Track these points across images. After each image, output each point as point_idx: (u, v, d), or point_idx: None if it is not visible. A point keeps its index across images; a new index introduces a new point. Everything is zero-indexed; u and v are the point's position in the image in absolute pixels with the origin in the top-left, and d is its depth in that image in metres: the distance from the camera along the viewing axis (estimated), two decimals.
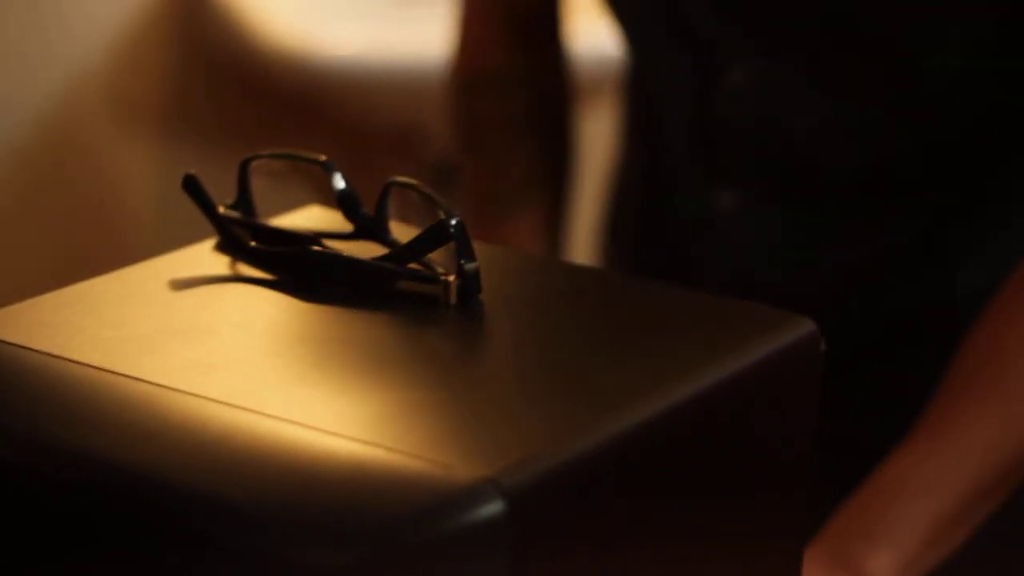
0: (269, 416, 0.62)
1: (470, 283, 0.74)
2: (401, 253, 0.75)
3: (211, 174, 2.54)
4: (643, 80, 1.29)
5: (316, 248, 0.77)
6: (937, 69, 1.14)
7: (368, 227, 0.80)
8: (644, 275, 1.28)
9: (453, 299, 0.74)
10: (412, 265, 0.76)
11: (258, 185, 0.85)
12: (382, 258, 0.76)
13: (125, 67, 2.44)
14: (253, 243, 0.80)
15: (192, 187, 0.80)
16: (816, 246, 1.22)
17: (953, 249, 1.20)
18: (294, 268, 0.77)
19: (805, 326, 0.73)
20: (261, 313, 0.73)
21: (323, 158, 0.81)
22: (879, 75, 1.15)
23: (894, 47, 1.13)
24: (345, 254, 0.77)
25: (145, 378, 0.65)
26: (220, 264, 0.79)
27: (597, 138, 1.96)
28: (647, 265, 1.30)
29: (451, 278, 0.74)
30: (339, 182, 0.81)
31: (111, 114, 2.46)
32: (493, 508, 0.56)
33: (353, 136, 2.42)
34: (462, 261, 0.74)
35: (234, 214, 0.82)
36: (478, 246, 0.78)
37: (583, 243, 1.69)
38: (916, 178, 1.19)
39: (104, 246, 2.52)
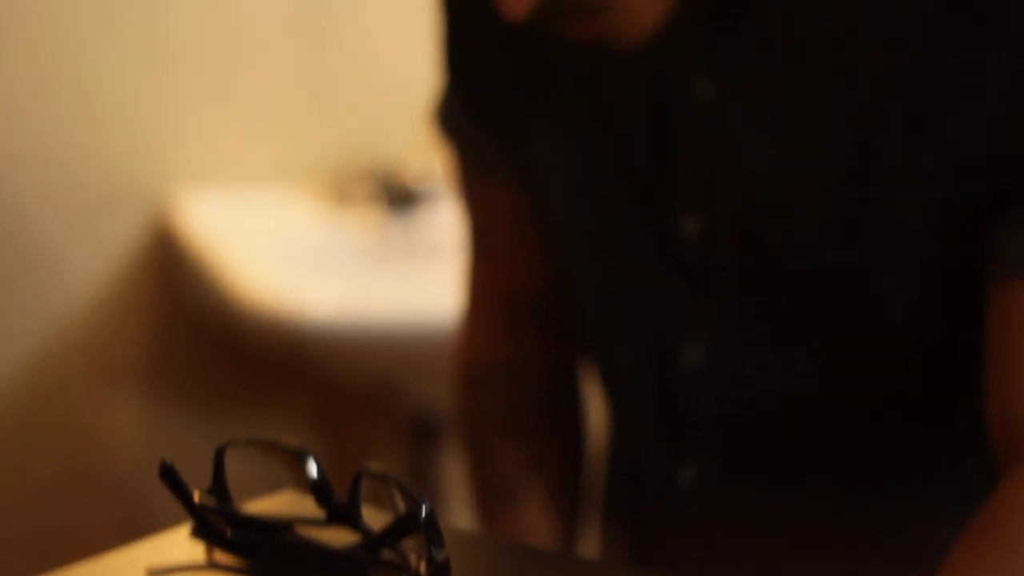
0: None
1: (440, 572, 0.76)
2: (373, 541, 0.77)
3: (191, 431, 2.57)
4: (602, 363, 1.31)
5: (290, 537, 0.79)
6: (889, 323, 1.15)
7: (341, 514, 0.82)
8: (619, 550, 1.29)
9: None
10: (385, 552, 0.77)
11: (237, 458, 0.87)
12: (355, 546, 0.77)
13: (104, 325, 2.47)
14: (229, 530, 0.82)
15: (168, 476, 0.82)
16: (787, 516, 1.23)
17: (928, 510, 1.21)
18: (269, 556, 0.79)
19: None
20: None
21: (296, 446, 0.83)
22: (836, 335, 1.17)
23: (852, 303, 1.15)
24: (319, 543, 0.78)
25: None
26: (196, 551, 0.81)
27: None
28: (618, 539, 1.31)
29: (422, 567, 0.76)
30: (312, 471, 0.83)
31: (90, 371, 2.48)
32: None
33: (333, 391, 2.44)
34: (432, 549, 0.75)
35: (210, 500, 0.84)
36: (452, 532, 0.80)
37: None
38: (881, 442, 1.20)
39: (86, 508, 2.52)
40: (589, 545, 1.39)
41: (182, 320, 2.48)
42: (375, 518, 0.82)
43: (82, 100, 2.37)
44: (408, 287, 2.06)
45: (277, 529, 0.81)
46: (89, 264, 2.45)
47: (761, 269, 1.17)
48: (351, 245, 2.40)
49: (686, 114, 1.17)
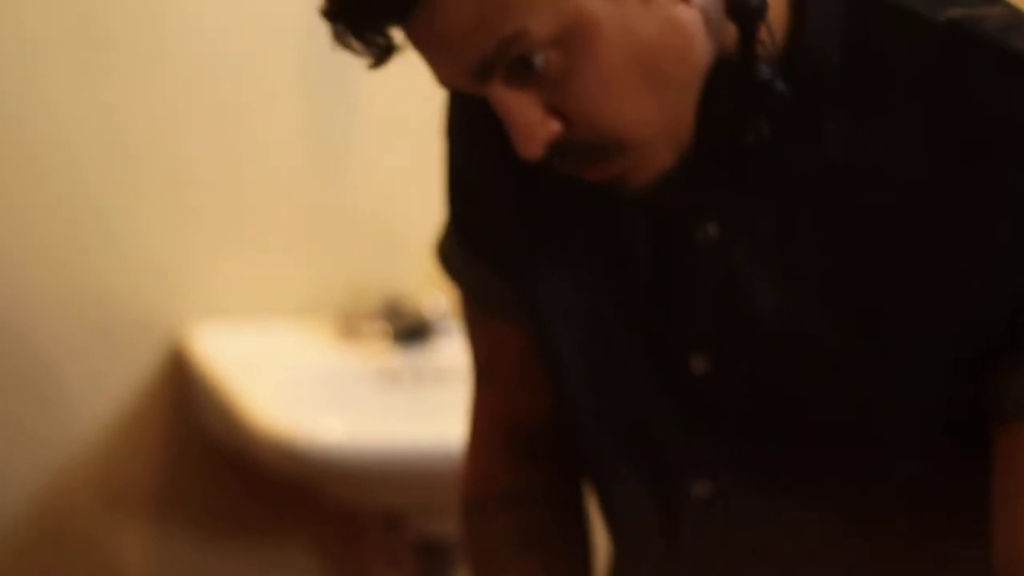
0: None
1: None
2: None
3: (202, 557, 2.58)
4: (605, 496, 1.31)
5: None
6: (892, 470, 1.16)
7: None
8: None
9: None
10: None
11: None
12: None
13: (117, 453, 2.48)
14: None
15: None
16: None
17: None
18: None
19: None
20: None
21: None
22: (841, 478, 1.18)
23: (856, 448, 1.16)
24: None
25: None
26: None
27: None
28: None
29: None
30: None
31: (103, 498, 2.50)
32: None
33: (342, 517, 2.46)
34: None
35: None
36: None
37: None
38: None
39: None
40: None
41: (194, 448, 2.51)
42: None
43: (98, 233, 2.43)
44: (417, 416, 2.09)
45: None
46: (103, 392, 2.48)
47: (768, 410, 1.18)
48: (362, 375, 2.44)
49: (692, 255, 1.17)
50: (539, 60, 1.06)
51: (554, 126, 1.08)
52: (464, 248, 1.32)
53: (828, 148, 1.12)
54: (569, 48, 1.05)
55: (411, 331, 2.45)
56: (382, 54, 1.09)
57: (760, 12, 1.08)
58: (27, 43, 2.35)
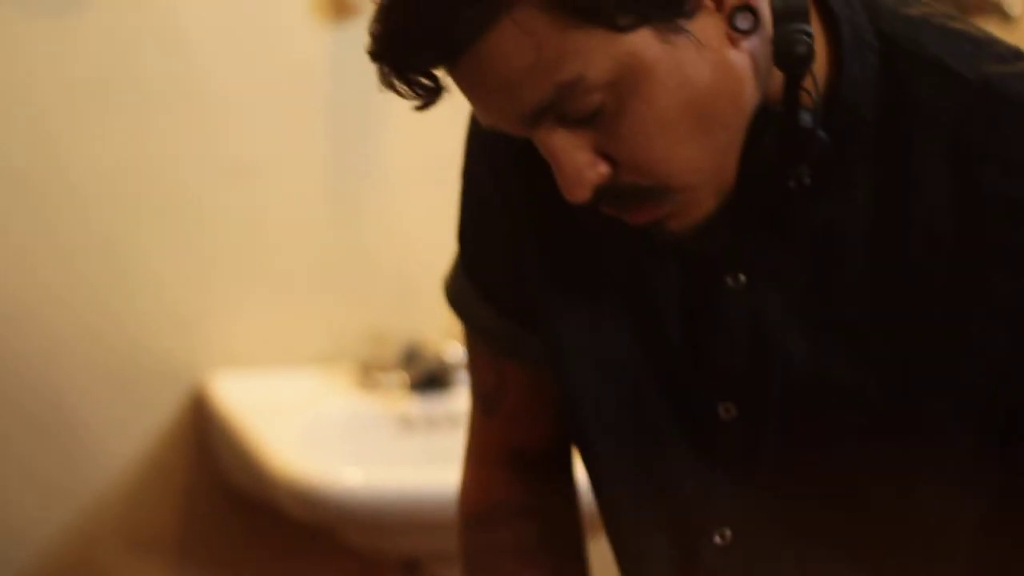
0: None
1: None
2: None
3: None
4: (619, 538, 1.30)
5: None
6: (919, 521, 1.16)
7: None
8: None
9: None
10: None
11: None
12: None
13: (140, 496, 2.51)
14: None
15: None
16: None
17: None
18: None
19: None
20: None
21: None
22: (866, 528, 1.17)
23: (883, 498, 1.16)
24: None
25: None
26: None
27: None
28: None
29: None
30: None
31: (126, 540, 2.51)
32: None
33: (359, 561, 2.47)
34: None
35: None
36: None
37: None
38: None
39: None
40: None
41: (215, 494, 2.53)
42: None
43: (119, 282, 2.46)
44: (435, 463, 2.10)
45: None
46: (126, 440, 2.51)
47: (794, 458, 1.17)
48: (380, 422, 2.46)
49: (721, 302, 1.17)
50: (593, 104, 1.05)
51: (602, 169, 1.07)
52: (474, 288, 1.31)
53: (859, 199, 1.12)
54: (622, 91, 1.05)
55: (429, 379, 2.47)
56: (427, 96, 1.08)
57: (808, 60, 1.08)
58: (53, 91, 2.38)
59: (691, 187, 1.09)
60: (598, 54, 1.03)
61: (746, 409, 1.18)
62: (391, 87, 1.07)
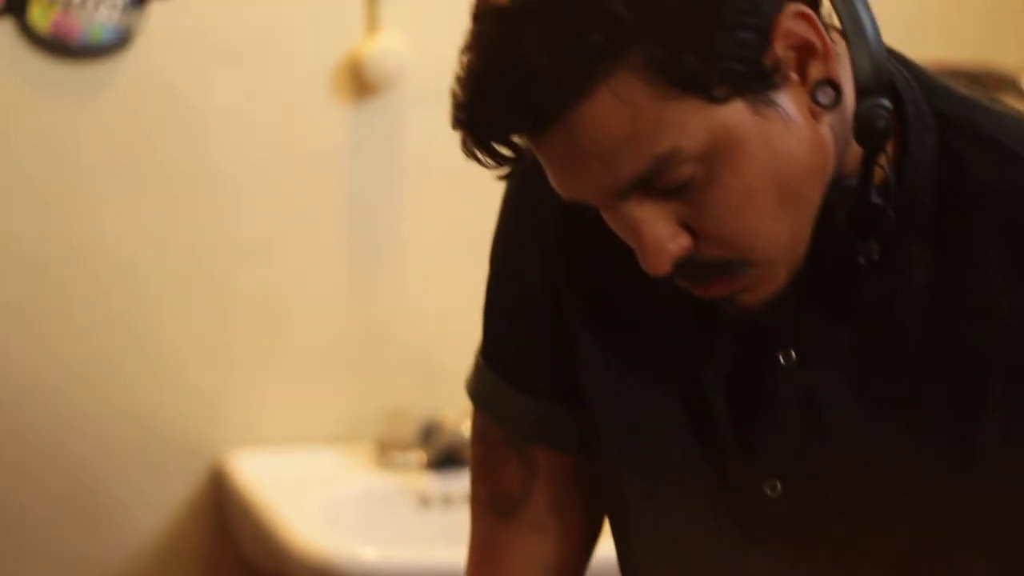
0: None
1: None
2: None
3: None
4: None
5: None
6: None
7: None
8: None
9: None
10: None
11: None
12: None
13: (159, 572, 2.49)
14: None
15: None
16: None
17: None
18: None
19: None
20: None
21: None
22: None
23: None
24: None
25: None
26: None
27: None
28: None
29: None
30: None
31: None
32: None
33: None
34: None
35: None
36: None
37: None
38: None
39: None
40: None
41: (234, 571, 2.53)
42: None
43: (140, 359, 2.47)
44: (452, 541, 2.10)
45: None
46: (146, 516, 2.51)
47: (847, 535, 1.16)
48: (398, 500, 2.47)
49: (772, 377, 1.15)
50: (684, 175, 1.03)
51: (684, 241, 1.06)
52: (502, 376, 1.27)
53: (915, 276, 1.12)
54: (713, 163, 1.04)
55: (447, 456, 2.47)
56: (509, 164, 1.06)
57: (886, 135, 1.07)
58: (72, 172, 2.41)
59: (770, 260, 1.08)
60: (694, 125, 1.02)
61: (793, 486, 1.16)
62: (472, 156, 1.05)
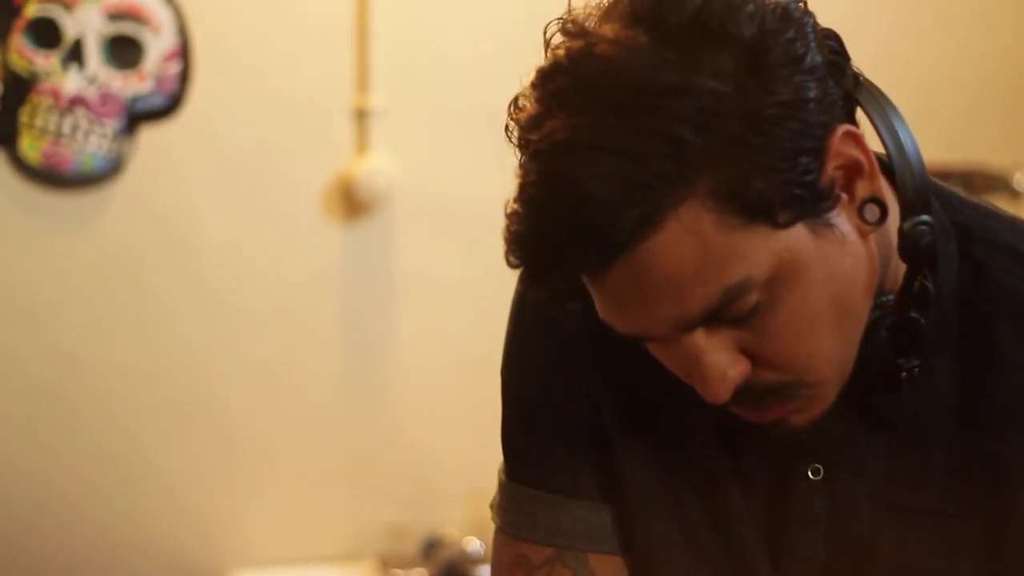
0: None
1: None
2: None
3: None
4: None
5: None
6: None
7: None
8: None
9: None
10: None
11: None
12: None
13: None
14: None
15: None
16: None
17: None
18: None
19: None
20: None
21: None
22: None
23: None
24: None
25: None
26: None
27: None
28: None
29: None
30: None
31: None
32: None
33: None
34: None
35: None
36: None
37: None
38: None
39: None
40: None
41: None
42: None
43: (140, 483, 2.48)
44: None
45: None
46: None
47: None
48: None
49: (800, 493, 1.14)
50: (751, 304, 1.01)
51: (742, 367, 1.03)
52: (554, 491, 1.23)
53: (939, 386, 1.11)
54: (776, 288, 1.02)
55: (449, 572, 2.47)
56: (565, 299, 1.03)
57: (930, 252, 1.06)
58: (68, 300, 2.43)
59: (824, 381, 1.06)
60: (762, 253, 1.00)
61: None
62: (530, 292, 1.02)
